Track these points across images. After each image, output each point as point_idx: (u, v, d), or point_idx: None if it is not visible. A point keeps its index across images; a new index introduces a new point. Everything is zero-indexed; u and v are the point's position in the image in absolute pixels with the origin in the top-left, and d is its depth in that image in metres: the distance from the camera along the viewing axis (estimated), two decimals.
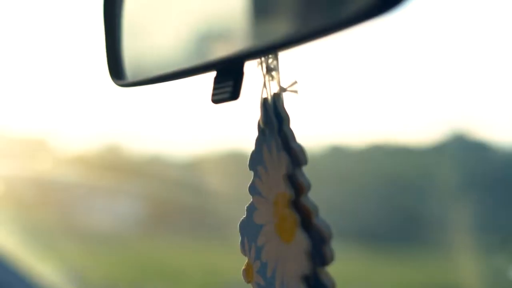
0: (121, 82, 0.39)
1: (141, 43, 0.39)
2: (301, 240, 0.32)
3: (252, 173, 0.35)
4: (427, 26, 1.19)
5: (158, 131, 1.79)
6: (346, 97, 1.37)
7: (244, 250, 0.36)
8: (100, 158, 1.96)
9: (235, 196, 1.62)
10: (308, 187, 0.32)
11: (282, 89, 0.33)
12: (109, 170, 1.91)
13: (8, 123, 1.89)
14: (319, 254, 0.31)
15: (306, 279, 0.32)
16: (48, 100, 1.87)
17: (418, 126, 1.33)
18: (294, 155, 0.32)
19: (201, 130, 1.65)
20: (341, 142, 1.51)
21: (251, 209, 0.35)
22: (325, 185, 1.47)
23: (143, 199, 1.95)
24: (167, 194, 1.85)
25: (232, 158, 1.71)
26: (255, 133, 0.34)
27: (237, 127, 1.50)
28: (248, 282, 0.35)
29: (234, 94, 0.32)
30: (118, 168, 1.93)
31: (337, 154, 1.56)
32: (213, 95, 0.33)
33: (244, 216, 0.35)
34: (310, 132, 1.41)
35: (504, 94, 1.20)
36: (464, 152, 1.37)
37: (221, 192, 1.73)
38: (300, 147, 0.33)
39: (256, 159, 0.34)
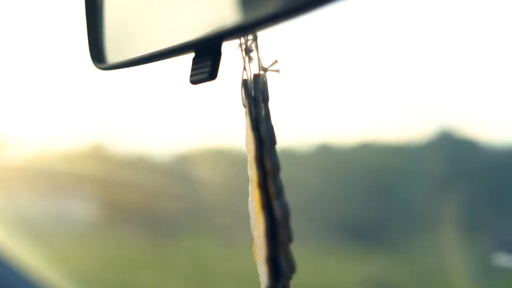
0: (102, 65, 0.39)
1: (121, 25, 0.39)
2: (262, 222, 0.32)
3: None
4: (417, 22, 1.20)
5: (144, 128, 1.78)
6: (334, 94, 1.37)
7: (252, 230, 0.36)
8: (82, 156, 1.94)
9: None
10: (274, 168, 0.32)
11: (263, 69, 0.33)
12: (91, 168, 1.90)
13: None
14: (276, 235, 0.32)
15: (273, 260, 0.32)
16: (30, 97, 1.86)
17: (407, 123, 1.34)
18: (262, 136, 0.33)
19: (186, 125, 1.64)
20: (329, 140, 1.51)
21: (250, 189, 0.36)
22: (313, 183, 1.47)
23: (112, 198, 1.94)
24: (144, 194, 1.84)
25: (217, 154, 1.71)
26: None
27: (223, 123, 1.50)
28: (256, 261, 0.36)
29: (212, 75, 0.32)
30: (99, 166, 1.92)
31: (325, 152, 1.56)
32: (191, 75, 0.33)
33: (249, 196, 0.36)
34: (297, 130, 1.41)
35: (494, 92, 1.21)
36: (454, 149, 1.37)
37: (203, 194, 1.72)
38: (268, 128, 0.33)
39: (246, 141, 0.35)
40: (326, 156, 1.56)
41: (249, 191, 0.35)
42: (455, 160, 1.38)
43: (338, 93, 1.36)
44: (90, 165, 1.91)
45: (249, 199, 0.36)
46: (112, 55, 0.39)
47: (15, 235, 1.78)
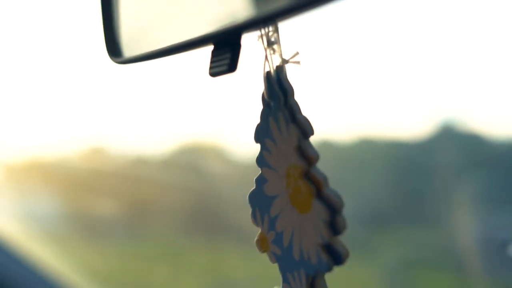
0: (119, 59, 0.39)
1: (138, 18, 0.39)
2: (319, 210, 0.32)
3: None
4: (419, 19, 1.20)
5: (142, 128, 1.77)
6: (333, 90, 1.37)
7: (256, 221, 0.36)
8: (81, 160, 1.93)
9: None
10: (317, 157, 0.33)
11: (285, 61, 0.33)
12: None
13: None
14: (331, 223, 0.32)
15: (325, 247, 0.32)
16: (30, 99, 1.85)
17: (408, 119, 1.34)
18: (302, 126, 0.33)
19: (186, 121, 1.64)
20: (330, 137, 1.51)
21: (261, 180, 0.36)
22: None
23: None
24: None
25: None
26: (259, 106, 0.35)
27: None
28: (263, 251, 0.36)
29: (231, 67, 0.32)
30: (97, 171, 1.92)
31: (327, 149, 1.56)
32: (210, 68, 0.33)
33: (254, 187, 0.36)
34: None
35: (496, 86, 1.21)
36: (455, 144, 1.37)
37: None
38: (306, 119, 0.33)
39: (262, 132, 0.35)
40: (328, 152, 1.56)
41: (264, 180, 0.35)
42: (459, 154, 1.38)
43: (342, 88, 1.36)
44: (89, 166, 1.91)
45: (256, 189, 0.36)
46: (129, 48, 0.38)
47: (28, 232, 1.79)
